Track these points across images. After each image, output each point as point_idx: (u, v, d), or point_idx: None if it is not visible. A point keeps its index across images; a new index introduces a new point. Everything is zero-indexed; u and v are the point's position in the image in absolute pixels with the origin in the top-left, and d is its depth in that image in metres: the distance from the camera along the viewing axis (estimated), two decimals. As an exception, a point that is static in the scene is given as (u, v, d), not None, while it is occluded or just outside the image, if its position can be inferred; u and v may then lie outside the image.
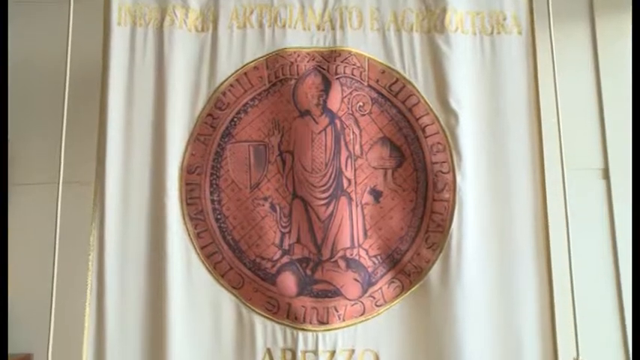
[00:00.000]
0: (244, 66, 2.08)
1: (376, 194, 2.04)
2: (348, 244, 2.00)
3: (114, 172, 2.01)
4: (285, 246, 2.00)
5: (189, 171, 2.03)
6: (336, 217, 2.00)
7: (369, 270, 2.00)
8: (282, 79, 2.07)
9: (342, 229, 2.00)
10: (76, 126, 2.04)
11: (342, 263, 1.99)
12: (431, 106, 2.07)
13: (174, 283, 1.97)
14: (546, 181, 2.03)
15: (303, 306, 1.97)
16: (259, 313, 1.98)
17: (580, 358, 1.92)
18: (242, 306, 1.98)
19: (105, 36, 2.08)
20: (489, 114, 2.08)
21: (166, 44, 2.08)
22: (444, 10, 2.11)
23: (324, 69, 2.08)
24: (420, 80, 2.08)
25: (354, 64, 2.09)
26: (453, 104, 2.06)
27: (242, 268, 2.00)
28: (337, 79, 2.07)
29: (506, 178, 2.05)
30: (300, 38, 2.10)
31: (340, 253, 2.00)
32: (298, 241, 2.01)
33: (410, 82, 2.08)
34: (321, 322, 1.97)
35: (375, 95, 2.08)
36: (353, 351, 1.96)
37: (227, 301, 1.99)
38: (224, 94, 2.07)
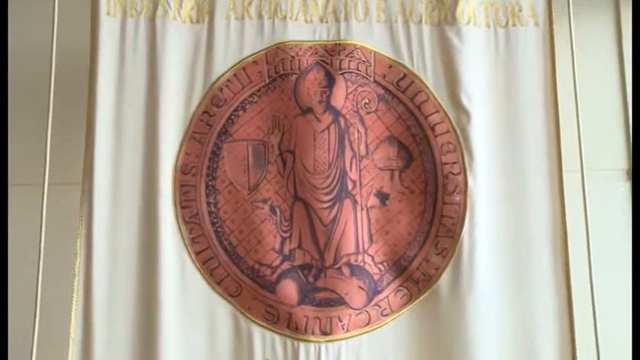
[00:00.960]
0: (242, 60, 2.04)
1: (382, 197, 2.01)
2: (353, 250, 1.97)
3: (103, 172, 1.97)
4: (286, 251, 1.97)
5: (183, 171, 2.00)
6: (340, 221, 1.97)
7: (375, 277, 1.96)
8: (283, 75, 2.04)
9: (346, 234, 1.97)
10: (62, 123, 2.01)
11: (346, 270, 1.96)
12: (441, 103, 2.03)
13: (167, 291, 1.93)
14: (564, 183, 1.99)
15: (304, 315, 1.94)
16: (258, 323, 1.94)
17: (601, 374, 1.86)
18: (239, 315, 1.95)
19: (93, 27, 2.03)
20: (503, 111, 2.04)
21: (159, 36, 2.03)
22: (456, 1, 2.07)
23: (327, 64, 2.04)
24: (429, 75, 2.04)
25: (359, 59, 2.05)
26: (465, 101, 2.02)
27: (240, 275, 1.96)
28: (341, 74, 2.04)
29: (521, 179, 2.01)
30: (302, 31, 2.07)
31: (344, 260, 1.96)
32: (300, 246, 1.98)
33: (419, 78, 2.05)
34: (324, 333, 1.93)
35: (381, 91, 2.05)
36: (357, 363, 1.93)
37: (223, 310, 1.95)
38: (221, 90, 2.03)
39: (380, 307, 1.96)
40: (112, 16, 2.04)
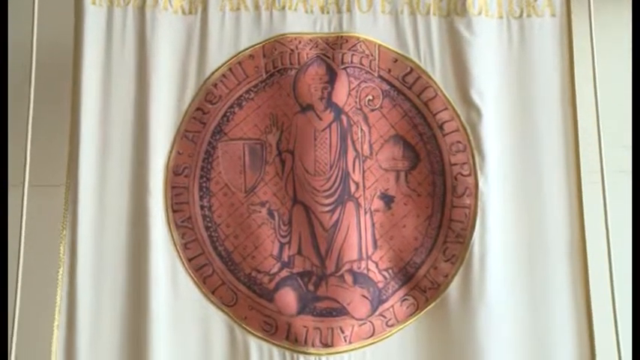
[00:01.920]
0: (238, 54, 2.00)
1: (387, 200, 1.97)
2: (356, 256, 1.93)
3: (88, 173, 1.93)
4: (285, 258, 1.94)
5: (175, 172, 1.97)
6: (342, 226, 1.94)
7: (380, 286, 1.93)
8: (281, 69, 2.00)
9: (349, 239, 1.93)
10: (44, 121, 1.99)
11: (348, 278, 1.92)
12: (450, 99, 1.99)
13: (158, 301, 1.89)
14: (583, 185, 1.95)
15: (304, 326, 1.90)
16: (255, 334, 1.91)
17: (624, 390, 1.82)
18: (235, 326, 1.92)
19: (77, 18, 1.98)
20: (517, 108, 2.00)
21: (148, 28, 1.99)
22: (466, -10, 2.03)
23: (328, 57, 2.00)
24: (437, 70, 2.00)
25: (362, 52, 2.01)
26: (476, 98, 1.97)
27: (235, 283, 1.93)
28: (343, 69, 1.99)
29: (536, 181, 1.97)
30: (302, 22, 2.02)
31: (346, 267, 1.92)
32: (299, 252, 1.94)
33: (426, 73, 2.00)
34: (325, 345, 1.90)
35: (386, 87, 2.01)
36: (361, 377, 1.91)
37: (218, 320, 1.92)
38: (215, 85, 1.99)
39: (385, 317, 1.93)
40: (97, 5, 1.99)
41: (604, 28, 2.03)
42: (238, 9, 2.02)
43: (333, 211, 1.94)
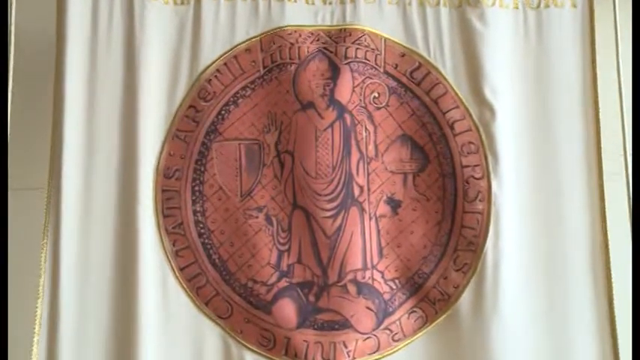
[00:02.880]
0: (234, 48, 1.97)
1: (394, 204, 1.94)
2: (360, 265, 1.90)
3: (72, 175, 1.89)
4: (284, 267, 1.91)
5: (166, 175, 1.93)
6: (345, 232, 1.90)
7: (385, 297, 1.90)
8: (280, 64, 1.97)
9: (353, 247, 1.90)
10: (24, 119, 1.97)
11: (352, 288, 1.89)
12: (461, 97, 1.96)
13: (147, 313, 1.85)
14: (605, 190, 1.91)
15: (304, 340, 1.87)
16: (251, 349, 1.88)
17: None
18: (230, 340, 1.88)
19: (59, 7, 1.94)
20: (534, 106, 1.97)
21: (137, 19, 1.95)
22: (479, -21, 2.04)
23: (331, 52, 1.97)
24: (448, 65, 1.97)
25: (367, 46, 1.97)
26: (489, 95, 1.94)
27: (230, 294, 1.90)
28: (347, 64, 1.96)
29: (554, 185, 1.94)
30: (303, 14, 1.99)
31: (350, 276, 1.89)
32: (299, 261, 1.92)
33: (436, 68, 1.97)
34: None
35: (393, 84, 1.98)
36: (365, 397, 1.91)
37: (212, 333, 1.89)
38: (209, 81, 1.96)
39: (391, 331, 1.89)
40: (81, -7, 1.95)
41: (630, 20, 1.97)
42: (234, -1, 2.00)
43: (335, 216, 1.91)
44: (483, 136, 1.93)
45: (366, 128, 1.95)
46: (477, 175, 1.91)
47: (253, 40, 1.97)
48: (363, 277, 1.88)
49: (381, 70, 1.97)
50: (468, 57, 1.96)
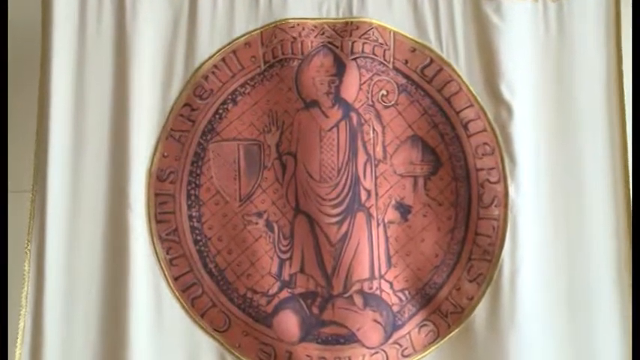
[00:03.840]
0: (232, 42, 1.93)
1: (403, 210, 1.89)
2: (367, 275, 1.85)
3: (59, 178, 1.86)
4: (285, 276, 1.87)
5: (159, 178, 1.89)
6: (352, 240, 1.86)
7: (394, 309, 1.85)
8: (282, 60, 1.92)
9: (359, 256, 1.86)
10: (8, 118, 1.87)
11: (358, 300, 1.84)
12: (476, 95, 1.91)
13: (139, 325, 1.81)
14: (631, 194, 1.84)
15: (307, 355, 1.82)
16: None
17: None
18: (227, 354, 1.84)
19: None
20: (554, 105, 1.91)
21: (129, 11, 1.90)
22: (495, -31, 2.05)
23: (336, 46, 1.92)
24: (461, 61, 1.92)
25: (375, 41, 1.92)
26: (506, 93, 1.89)
27: (228, 305, 1.86)
28: (353, 59, 1.91)
29: (576, 189, 1.89)
30: (306, 6, 1.94)
31: (356, 287, 1.84)
32: (302, 270, 1.87)
33: (449, 64, 1.92)
34: None
35: (402, 81, 1.92)
36: (373, 416, 1.85)
37: (208, 347, 1.85)
38: (206, 78, 1.92)
39: (400, 345, 1.84)
40: (68, -17, 2.01)
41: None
42: (232, -10, 2.07)
43: (340, 222, 1.86)
44: (499, 137, 1.88)
45: (373, 128, 1.90)
46: (492, 179, 1.86)
47: (253, 33, 1.92)
48: (371, 288, 1.84)
49: (390, 66, 1.92)
50: (484, 52, 1.91)
